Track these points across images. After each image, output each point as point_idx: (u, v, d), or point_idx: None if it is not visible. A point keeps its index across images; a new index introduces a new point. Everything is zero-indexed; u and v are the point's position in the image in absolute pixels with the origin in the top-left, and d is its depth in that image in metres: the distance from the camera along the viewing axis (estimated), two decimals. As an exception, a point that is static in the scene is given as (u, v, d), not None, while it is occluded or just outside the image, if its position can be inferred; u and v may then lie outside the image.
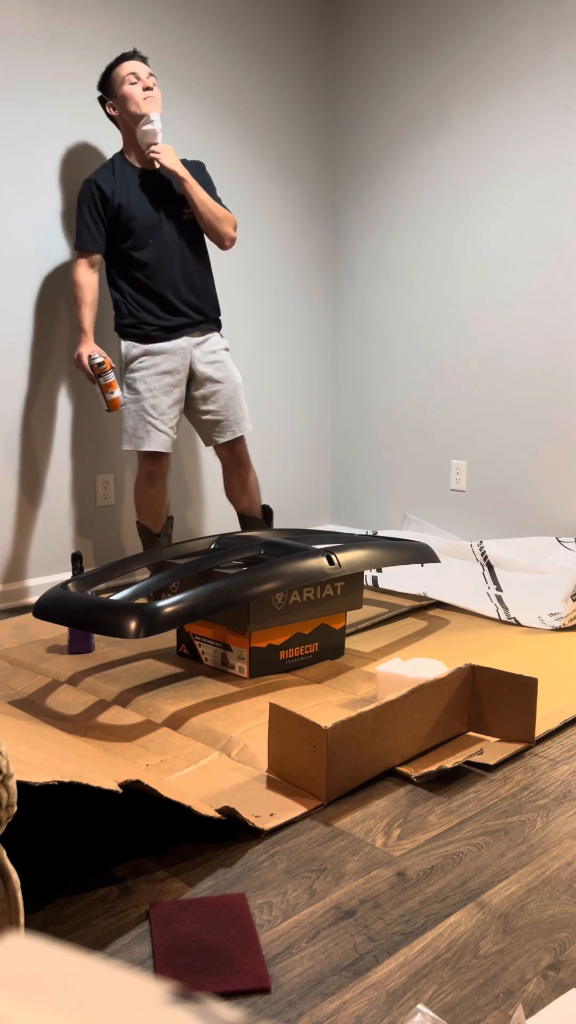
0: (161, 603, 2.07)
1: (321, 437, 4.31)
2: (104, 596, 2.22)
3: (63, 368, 3.35)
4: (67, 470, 3.40)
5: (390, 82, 3.90)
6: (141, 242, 3.02)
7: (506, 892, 1.46)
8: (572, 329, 3.43)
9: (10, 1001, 0.33)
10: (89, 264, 3.03)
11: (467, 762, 1.93)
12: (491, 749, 1.96)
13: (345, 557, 2.45)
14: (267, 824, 1.66)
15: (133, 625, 2.01)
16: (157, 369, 3.06)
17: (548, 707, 2.19)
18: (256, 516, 3.33)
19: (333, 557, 2.42)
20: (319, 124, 4.09)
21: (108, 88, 3.02)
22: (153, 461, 3.10)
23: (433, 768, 1.84)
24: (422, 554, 2.80)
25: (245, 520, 3.33)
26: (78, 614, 2.12)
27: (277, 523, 4.17)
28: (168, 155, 2.98)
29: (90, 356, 2.95)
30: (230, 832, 1.66)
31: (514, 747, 1.97)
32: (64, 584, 2.35)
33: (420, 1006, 1.15)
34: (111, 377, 2.95)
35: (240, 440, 3.22)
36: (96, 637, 2.74)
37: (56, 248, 3.28)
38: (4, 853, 1.09)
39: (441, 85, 3.72)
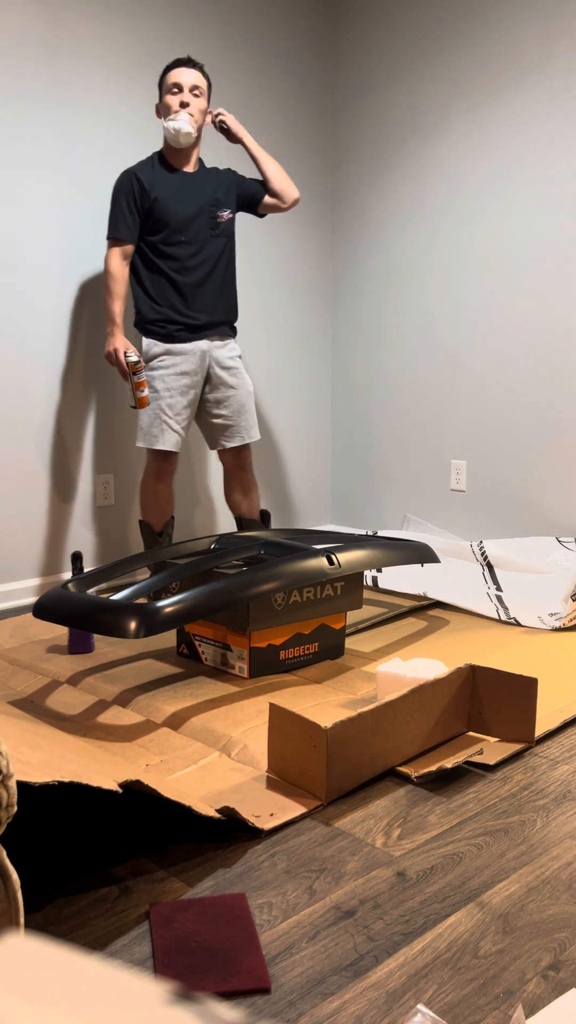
0: (161, 603, 2.07)
1: (321, 437, 4.31)
2: (104, 596, 2.22)
3: (63, 368, 3.35)
4: (67, 470, 3.40)
5: (390, 83, 3.90)
6: (173, 239, 3.03)
7: (506, 892, 1.46)
8: (572, 329, 3.43)
9: (10, 1001, 0.33)
10: (123, 255, 3.02)
11: (467, 762, 1.93)
12: (491, 749, 1.96)
13: (345, 557, 2.45)
14: (267, 824, 1.66)
15: (133, 625, 2.01)
16: (176, 369, 3.08)
17: (548, 707, 2.19)
18: (255, 519, 3.35)
19: (333, 557, 2.42)
20: (319, 125, 4.09)
21: (159, 89, 3.08)
22: (163, 459, 3.13)
23: (433, 768, 1.84)
24: (422, 554, 2.80)
25: (243, 524, 3.34)
26: (78, 614, 2.12)
27: (278, 523, 4.17)
28: (231, 118, 3.11)
29: (126, 353, 2.96)
30: (230, 832, 1.66)
31: (514, 747, 1.97)
32: (64, 584, 2.35)
33: (420, 1006, 1.15)
34: (144, 376, 2.97)
35: (246, 447, 3.26)
36: (96, 637, 2.74)
37: (57, 248, 3.28)
38: (4, 853, 1.09)
39: (441, 86, 3.72)
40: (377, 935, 1.35)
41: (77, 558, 2.64)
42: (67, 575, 3.43)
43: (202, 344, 3.11)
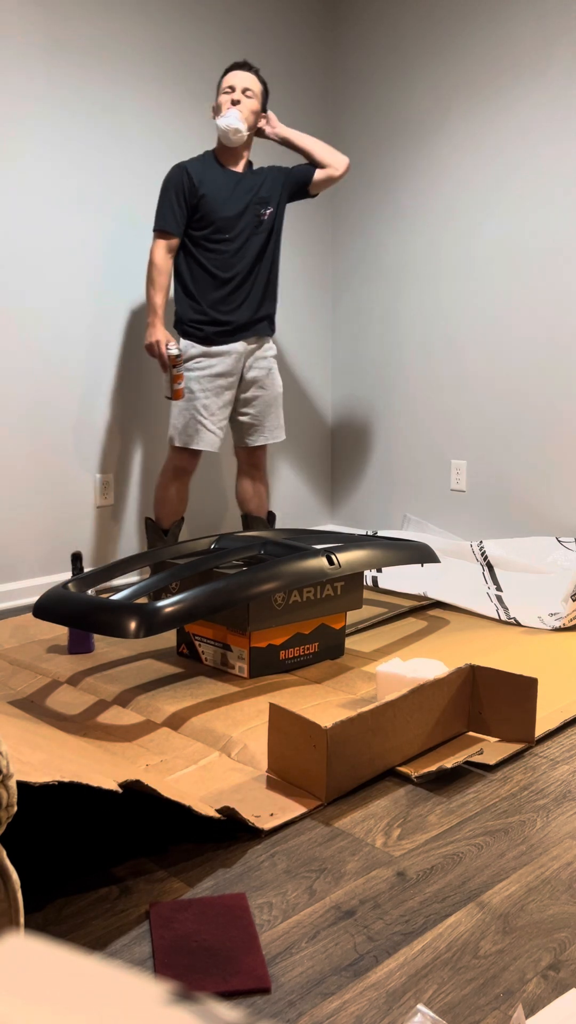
0: (161, 603, 2.07)
1: (321, 437, 4.31)
2: (104, 596, 2.22)
3: (63, 368, 3.35)
4: (67, 470, 3.40)
5: (391, 83, 3.90)
6: (217, 236, 3.06)
7: (506, 892, 1.46)
8: (573, 329, 3.43)
9: (10, 1001, 0.33)
10: (168, 248, 3.04)
11: (467, 762, 1.93)
12: (491, 749, 1.96)
13: (345, 557, 2.45)
14: (267, 824, 1.66)
15: (133, 625, 2.01)
16: (212, 371, 3.10)
17: (548, 707, 2.19)
18: (261, 518, 3.38)
19: (333, 557, 2.42)
20: (319, 124, 4.09)
21: (216, 92, 3.14)
22: (189, 458, 3.16)
23: (433, 768, 1.84)
24: (422, 554, 2.80)
25: (249, 521, 3.35)
26: (78, 614, 2.12)
27: (278, 523, 4.17)
28: (274, 121, 3.17)
29: (168, 345, 2.97)
30: (230, 832, 1.66)
31: (514, 747, 1.97)
32: (64, 584, 2.35)
33: (420, 1006, 1.15)
34: (182, 369, 2.99)
35: (263, 446, 3.31)
36: (96, 637, 2.74)
37: (59, 247, 3.28)
38: (4, 853, 1.09)
39: (442, 86, 3.72)
40: (377, 935, 1.35)
41: (77, 558, 2.64)
42: (67, 575, 3.43)
43: (238, 346, 3.13)
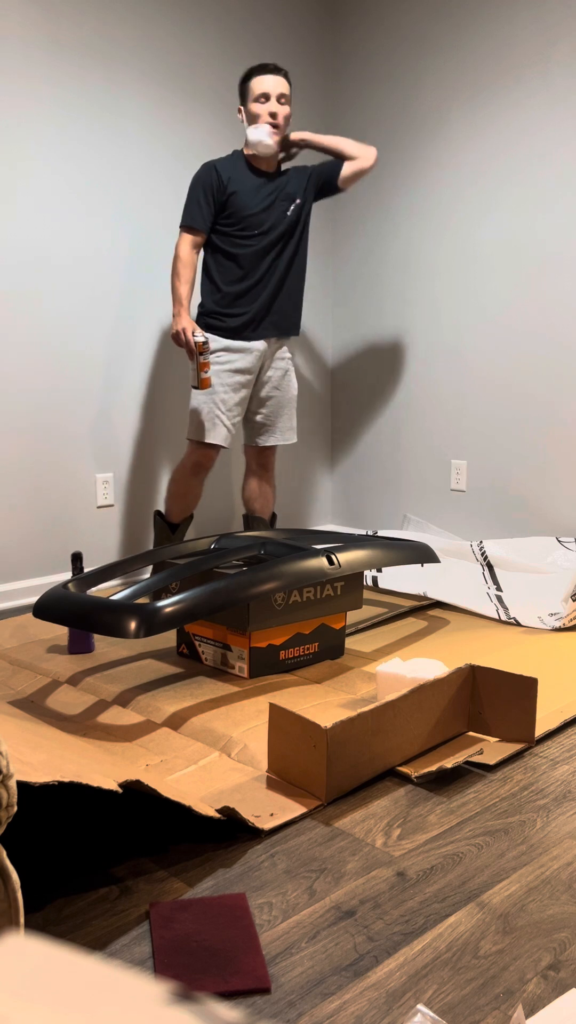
0: (161, 603, 2.07)
1: (321, 437, 4.31)
2: (104, 596, 2.22)
3: (62, 367, 3.35)
4: (67, 470, 3.40)
5: (391, 82, 3.90)
6: (245, 234, 3.08)
7: (506, 892, 1.46)
8: (573, 329, 3.43)
9: (10, 1001, 0.33)
10: (194, 243, 3.06)
11: (467, 762, 1.93)
12: (491, 749, 1.96)
13: (345, 557, 2.45)
14: (267, 824, 1.66)
15: (133, 625, 2.01)
16: (232, 366, 3.12)
17: (548, 707, 2.19)
18: (264, 518, 3.40)
19: (333, 557, 2.42)
20: (318, 124, 4.09)
21: (241, 93, 3.11)
22: (207, 453, 3.17)
23: (433, 768, 1.84)
24: (422, 554, 2.80)
25: (251, 521, 3.36)
26: (78, 614, 2.12)
27: (278, 523, 4.17)
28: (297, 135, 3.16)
29: (194, 333, 2.97)
30: (230, 832, 1.66)
31: (514, 747, 1.97)
32: (64, 584, 2.35)
33: (420, 1006, 1.15)
34: (209, 357, 3.00)
35: (273, 448, 3.33)
36: (96, 637, 2.74)
37: (69, 247, 3.28)
38: (4, 853, 1.09)
39: (440, 84, 3.72)
40: (377, 935, 1.35)
41: (77, 558, 2.64)
42: (67, 575, 3.43)
43: (259, 344, 3.16)
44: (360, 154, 3.19)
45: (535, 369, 3.55)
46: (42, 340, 3.28)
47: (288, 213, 3.14)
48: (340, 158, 3.20)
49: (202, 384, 2.99)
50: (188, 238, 3.06)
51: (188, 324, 2.99)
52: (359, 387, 4.19)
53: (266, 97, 3.03)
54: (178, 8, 3.51)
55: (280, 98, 3.04)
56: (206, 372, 2.99)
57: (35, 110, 3.16)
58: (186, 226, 3.07)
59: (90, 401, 3.44)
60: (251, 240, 3.09)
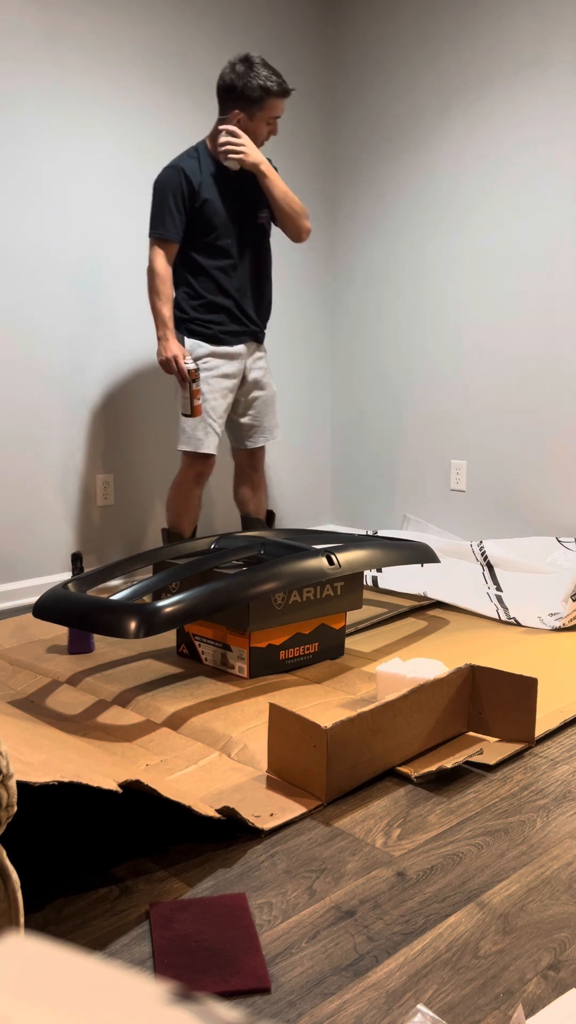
0: (161, 603, 2.07)
1: (321, 437, 4.31)
2: (104, 596, 2.22)
3: (62, 366, 3.34)
4: (67, 470, 3.40)
5: (389, 82, 3.89)
6: (219, 240, 2.98)
7: (506, 892, 1.46)
8: (572, 329, 3.43)
9: (10, 1001, 0.33)
10: (168, 255, 2.93)
11: (467, 762, 1.93)
12: (491, 749, 1.96)
13: (345, 557, 2.45)
14: (267, 824, 1.66)
15: (133, 625, 2.01)
16: (219, 372, 3.05)
17: (548, 707, 2.19)
18: (260, 519, 3.38)
19: (333, 557, 2.42)
20: (318, 124, 4.09)
21: (250, 98, 2.88)
22: (204, 462, 3.10)
23: (433, 768, 1.84)
24: (422, 554, 2.80)
25: (248, 522, 3.35)
26: (78, 614, 2.12)
27: (278, 523, 4.17)
28: (251, 152, 2.92)
29: (186, 358, 2.91)
30: (230, 832, 1.66)
31: (514, 747, 1.97)
32: (64, 584, 2.35)
33: (420, 1006, 1.15)
34: (200, 384, 2.93)
35: (262, 447, 3.29)
36: (96, 637, 2.74)
37: (62, 246, 3.27)
38: (4, 853, 1.09)
39: (440, 84, 3.72)
40: (377, 935, 1.35)
41: (77, 558, 2.64)
42: (67, 575, 3.43)
43: (241, 347, 3.09)
44: (293, 231, 3.07)
45: (535, 369, 3.55)
46: (43, 341, 3.28)
47: (259, 221, 3.06)
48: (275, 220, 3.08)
49: (195, 412, 2.93)
50: (162, 251, 2.92)
51: (178, 350, 2.91)
52: (359, 387, 4.19)
53: (275, 120, 2.95)
54: (178, 9, 3.51)
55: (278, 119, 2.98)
56: (199, 399, 2.93)
57: (30, 110, 3.16)
58: (159, 237, 2.91)
59: (91, 401, 3.44)
60: (225, 247, 2.99)
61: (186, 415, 2.97)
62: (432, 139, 3.77)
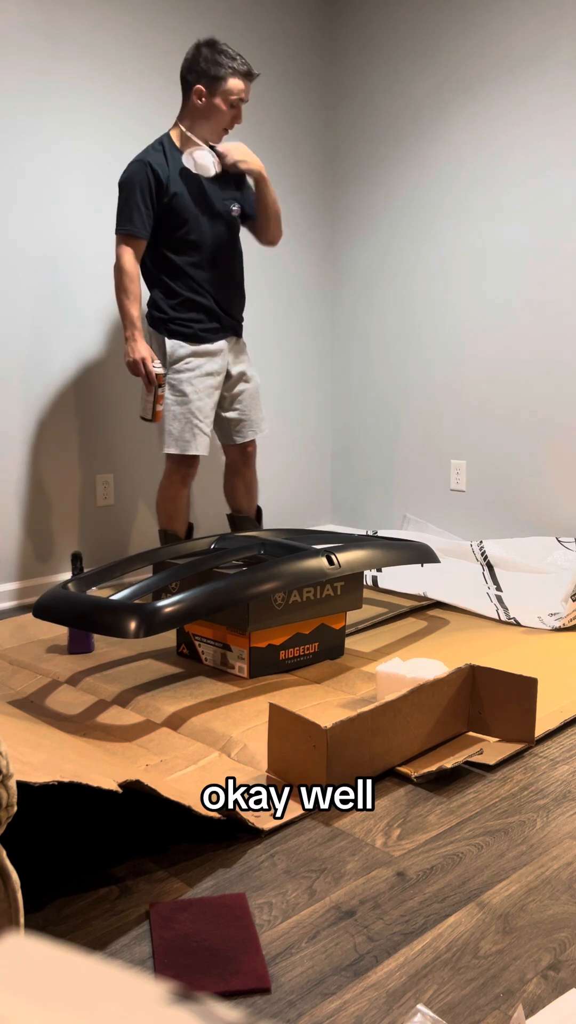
0: (161, 603, 2.07)
1: (321, 437, 4.31)
2: (104, 596, 2.22)
3: (62, 366, 3.35)
4: (67, 470, 3.40)
5: (389, 77, 3.90)
6: (190, 235, 2.94)
7: (506, 892, 1.46)
8: (572, 329, 3.43)
9: (10, 1001, 0.33)
10: (136, 252, 2.88)
11: (467, 762, 1.93)
12: (491, 749, 1.96)
13: (345, 557, 2.45)
14: (267, 824, 1.66)
15: (133, 625, 2.01)
16: (202, 371, 3.01)
17: (548, 707, 2.19)
18: (250, 516, 3.37)
19: (333, 557, 2.42)
20: (318, 123, 4.09)
21: (209, 75, 2.85)
22: (191, 464, 3.08)
23: (433, 768, 1.84)
24: (422, 554, 2.80)
25: (238, 519, 3.35)
26: (78, 614, 2.12)
27: (278, 523, 4.17)
28: (244, 154, 2.94)
29: (154, 361, 2.88)
30: (230, 832, 1.66)
31: (514, 747, 1.97)
32: (64, 584, 2.35)
33: (420, 1006, 1.15)
34: (162, 390, 2.91)
35: (252, 442, 3.26)
36: (96, 637, 2.74)
37: (58, 243, 3.27)
38: (4, 853, 1.09)
39: (440, 83, 3.72)
40: (377, 935, 1.35)
41: (77, 558, 2.64)
42: (67, 575, 3.43)
43: (222, 343, 3.07)
44: (269, 236, 3.10)
45: (535, 369, 3.55)
46: (42, 341, 3.28)
47: (232, 214, 3.03)
48: (255, 220, 3.08)
49: (156, 417, 2.90)
50: (130, 249, 2.86)
51: (146, 353, 2.87)
52: (359, 387, 4.19)
53: (240, 101, 2.90)
54: (178, 7, 3.51)
55: (243, 103, 2.93)
56: (161, 405, 2.91)
57: (31, 110, 3.16)
58: (126, 233, 2.85)
59: (90, 401, 3.44)
60: (196, 242, 2.95)
61: (145, 419, 2.94)
62: (432, 139, 3.77)
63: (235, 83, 2.87)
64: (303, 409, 4.20)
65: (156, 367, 2.87)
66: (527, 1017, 1.17)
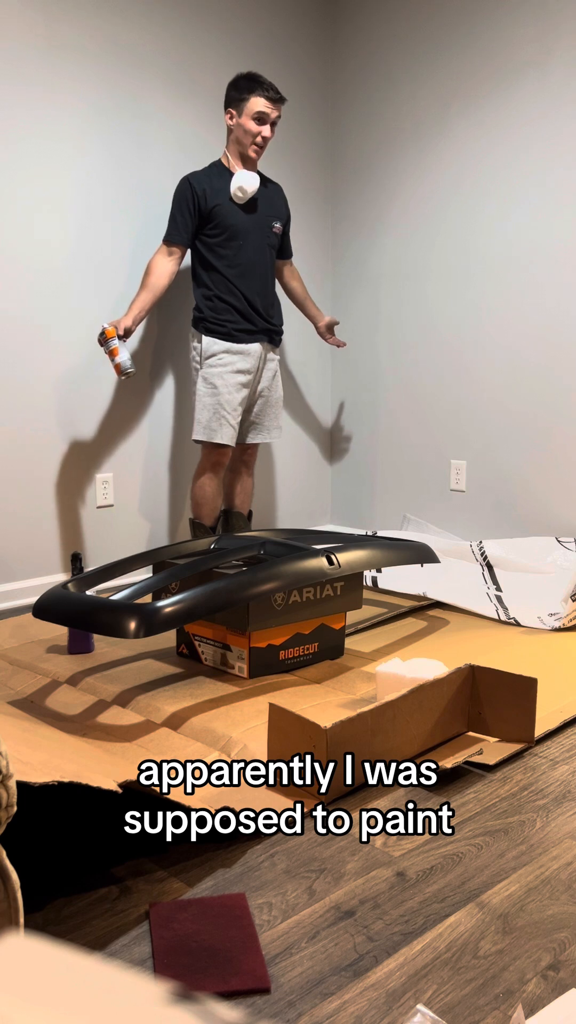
0: (161, 603, 2.07)
1: (321, 437, 4.31)
2: (104, 596, 2.22)
3: (62, 365, 3.35)
4: (67, 470, 3.40)
5: (390, 80, 3.89)
6: (231, 244, 3.22)
7: (506, 892, 1.46)
8: (572, 329, 3.43)
9: (10, 1001, 0.33)
10: (167, 254, 3.20)
11: (467, 762, 1.93)
12: (491, 749, 1.96)
13: (345, 557, 2.45)
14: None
15: (133, 625, 2.01)
16: (233, 367, 3.26)
17: (548, 707, 2.19)
18: (243, 514, 3.53)
19: (333, 557, 2.42)
20: (319, 125, 4.09)
21: (234, 99, 3.18)
22: (221, 452, 3.30)
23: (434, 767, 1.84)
24: (422, 554, 2.80)
25: (230, 514, 3.50)
26: (78, 614, 2.12)
27: (278, 523, 4.17)
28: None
29: (107, 323, 3.10)
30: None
31: (514, 747, 1.97)
32: (64, 584, 2.35)
33: (420, 1006, 1.15)
34: (113, 344, 3.04)
35: (255, 445, 3.49)
36: (96, 637, 2.74)
37: (61, 247, 3.28)
38: (4, 853, 1.09)
39: (441, 86, 3.72)
40: (377, 935, 1.35)
41: (77, 558, 2.64)
42: (67, 575, 3.43)
43: (256, 346, 3.31)
44: (310, 310, 3.63)
45: (535, 369, 3.55)
46: (43, 341, 3.28)
47: (273, 231, 3.32)
48: (288, 262, 3.56)
49: (115, 371, 3.04)
50: (163, 248, 3.21)
51: (115, 323, 3.08)
52: (359, 387, 4.19)
53: (263, 119, 3.15)
54: (180, 10, 3.51)
55: (273, 124, 3.18)
56: (117, 358, 3.02)
57: (29, 111, 3.16)
58: (165, 239, 3.22)
59: (91, 401, 3.44)
60: (237, 251, 3.22)
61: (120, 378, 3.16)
62: (433, 142, 3.77)
63: (257, 100, 3.15)
64: (303, 409, 4.20)
65: (105, 325, 3.07)
66: (527, 1017, 1.17)
